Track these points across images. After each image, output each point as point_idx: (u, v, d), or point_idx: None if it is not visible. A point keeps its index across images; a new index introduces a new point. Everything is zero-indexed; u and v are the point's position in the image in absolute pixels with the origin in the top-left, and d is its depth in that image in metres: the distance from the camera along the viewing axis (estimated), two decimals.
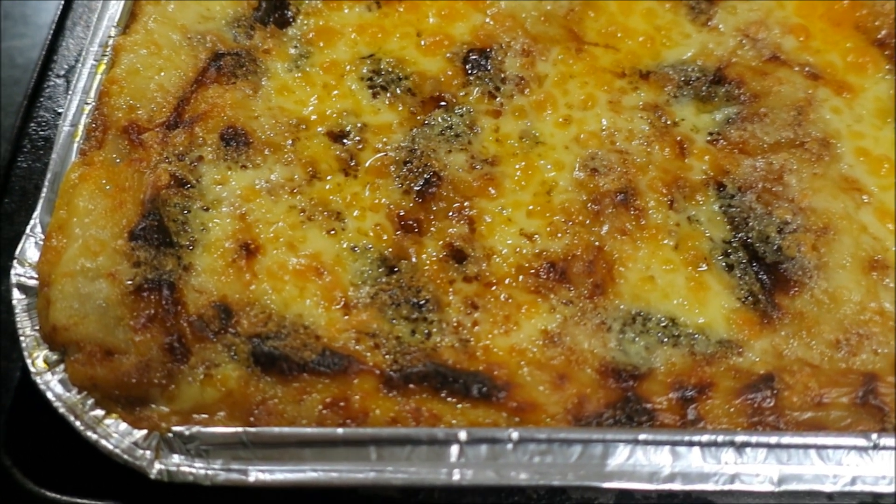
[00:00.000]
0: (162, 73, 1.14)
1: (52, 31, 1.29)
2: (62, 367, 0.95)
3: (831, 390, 0.91)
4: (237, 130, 1.11)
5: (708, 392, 0.92)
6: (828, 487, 0.85)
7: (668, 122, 1.16)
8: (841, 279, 0.99)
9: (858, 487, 0.85)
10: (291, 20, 1.25)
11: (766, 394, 0.91)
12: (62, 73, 1.24)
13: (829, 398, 0.91)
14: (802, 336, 0.97)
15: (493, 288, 1.02)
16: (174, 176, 1.06)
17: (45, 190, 1.06)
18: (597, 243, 1.05)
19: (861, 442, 0.86)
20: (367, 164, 1.12)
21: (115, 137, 1.09)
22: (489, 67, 1.20)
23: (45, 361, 0.96)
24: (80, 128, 1.10)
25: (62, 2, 1.31)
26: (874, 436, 0.85)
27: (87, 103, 1.13)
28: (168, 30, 1.18)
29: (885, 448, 0.85)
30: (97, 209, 1.01)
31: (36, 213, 1.05)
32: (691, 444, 0.87)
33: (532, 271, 1.04)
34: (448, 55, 1.21)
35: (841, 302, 0.98)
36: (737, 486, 0.85)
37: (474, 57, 1.21)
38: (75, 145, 1.10)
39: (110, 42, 1.19)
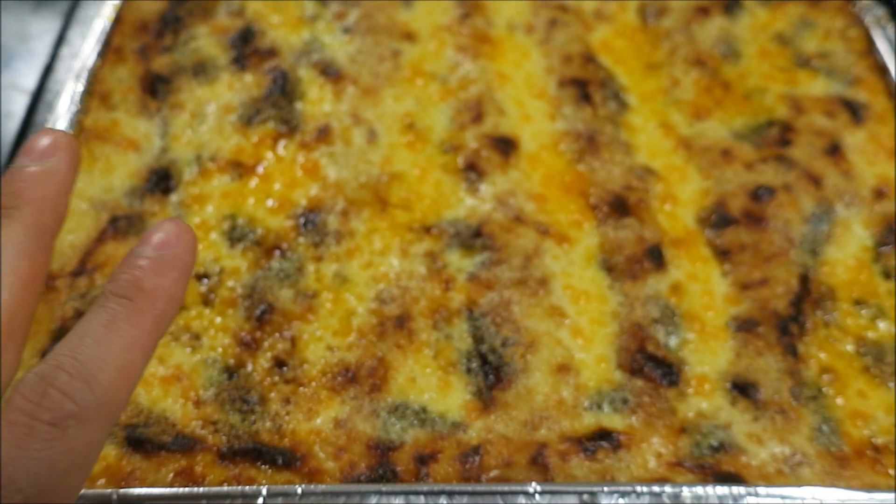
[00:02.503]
0: (72, 235, 1.57)
1: None
2: None
3: (516, 454, 1.37)
4: None
5: (437, 457, 1.36)
6: None
7: (440, 265, 1.60)
8: (536, 379, 1.45)
9: None
10: (174, 189, 1.70)
11: (474, 458, 1.35)
12: None
13: (513, 460, 1.35)
14: (505, 419, 1.42)
15: (303, 388, 1.46)
16: (77, 310, 1.48)
17: None
18: (379, 354, 1.50)
19: (528, 489, 1.30)
20: (221, 298, 1.56)
21: None
22: (317, 224, 1.66)
23: None
24: None
25: None
26: (534, 484, 1.30)
27: None
28: (79, 201, 1.61)
29: (542, 492, 1.30)
30: None
31: None
32: (418, 493, 1.27)
33: (332, 375, 1.47)
34: (288, 214, 1.67)
35: (534, 394, 1.44)
36: None
37: (306, 217, 1.67)
38: None
39: None
